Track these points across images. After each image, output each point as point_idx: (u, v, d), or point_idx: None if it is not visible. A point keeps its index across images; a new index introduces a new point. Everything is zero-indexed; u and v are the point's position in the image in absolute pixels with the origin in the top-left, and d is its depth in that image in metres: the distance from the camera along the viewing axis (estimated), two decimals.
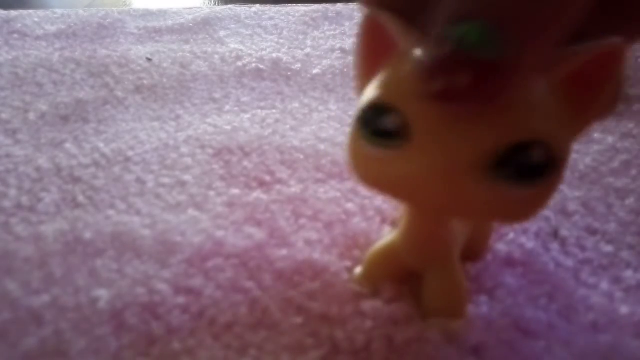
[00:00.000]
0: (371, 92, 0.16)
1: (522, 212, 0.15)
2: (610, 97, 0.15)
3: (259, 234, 0.25)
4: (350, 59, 0.43)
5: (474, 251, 0.23)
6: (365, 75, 0.17)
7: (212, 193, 0.28)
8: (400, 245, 0.20)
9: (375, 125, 0.15)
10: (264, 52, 0.45)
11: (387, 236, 0.22)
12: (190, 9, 0.56)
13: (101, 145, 0.33)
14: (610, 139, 0.33)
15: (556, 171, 0.14)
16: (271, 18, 0.53)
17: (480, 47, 0.12)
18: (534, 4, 0.12)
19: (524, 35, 0.12)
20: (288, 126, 0.34)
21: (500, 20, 0.12)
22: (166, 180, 0.29)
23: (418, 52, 0.13)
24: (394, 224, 0.25)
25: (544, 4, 0.12)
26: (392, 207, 0.27)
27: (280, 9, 0.55)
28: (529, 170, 0.14)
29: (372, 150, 0.16)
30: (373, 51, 0.17)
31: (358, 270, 0.23)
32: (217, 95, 0.38)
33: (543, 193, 0.15)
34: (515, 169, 0.14)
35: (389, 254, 0.21)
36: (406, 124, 0.15)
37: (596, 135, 0.34)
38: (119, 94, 0.39)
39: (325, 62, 0.43)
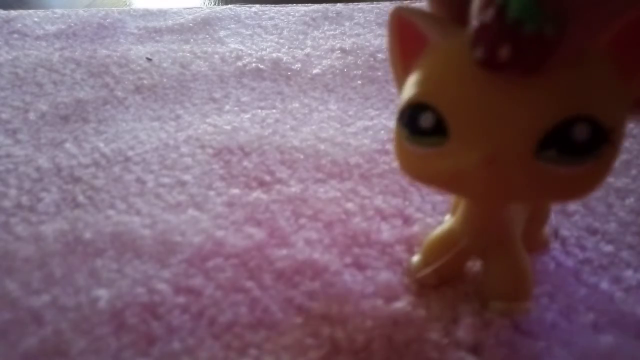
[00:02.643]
0: (406, 91, 0.16)
1: (577, 189, 0.15)
2: None
3: (259, 234, 0.25)
4: (350, 58, 0.43)
5: (531, 238, 0.22)
6: (401, 73, 0.17)
7: (212, 193, 0.28)
8: (459, 232, 0.20)
9: (413, 124, 0.16)
10: (264, 52, 0.45)
11: (444, 224, 0.22)
12: (190, 9, 0.56)
13: (101, 145, 0.33)
14: None
15: (608, 144, 0.14)
16: (271, 18, 0.53)
17: (522, 19, 0.12)
18: None
19: (573, 12, 0.13)
20: (288, 126, 0.34)
21: None
22: (166, 180, 0.29)
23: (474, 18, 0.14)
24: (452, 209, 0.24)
25: None
26: (391, 206, 0.27)
27: (280, 9, 0.55)
28: (575, 148, 0.14)
29: (414, 148, 0.16)
30: (405, 48, 0.17)
31: (415, 259, 0.23)
32: (217, 95, 0.38)
33: (598, 167, 0.15)
34: (560, 149, 0.14)
35: (446, 241, 0.21)
36: (442, 121, 0.15)
37: None
38: (119, 94, 0.39)
39: (325, 62, 0.43)
